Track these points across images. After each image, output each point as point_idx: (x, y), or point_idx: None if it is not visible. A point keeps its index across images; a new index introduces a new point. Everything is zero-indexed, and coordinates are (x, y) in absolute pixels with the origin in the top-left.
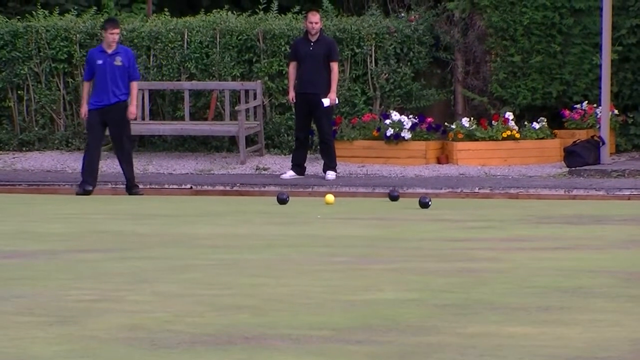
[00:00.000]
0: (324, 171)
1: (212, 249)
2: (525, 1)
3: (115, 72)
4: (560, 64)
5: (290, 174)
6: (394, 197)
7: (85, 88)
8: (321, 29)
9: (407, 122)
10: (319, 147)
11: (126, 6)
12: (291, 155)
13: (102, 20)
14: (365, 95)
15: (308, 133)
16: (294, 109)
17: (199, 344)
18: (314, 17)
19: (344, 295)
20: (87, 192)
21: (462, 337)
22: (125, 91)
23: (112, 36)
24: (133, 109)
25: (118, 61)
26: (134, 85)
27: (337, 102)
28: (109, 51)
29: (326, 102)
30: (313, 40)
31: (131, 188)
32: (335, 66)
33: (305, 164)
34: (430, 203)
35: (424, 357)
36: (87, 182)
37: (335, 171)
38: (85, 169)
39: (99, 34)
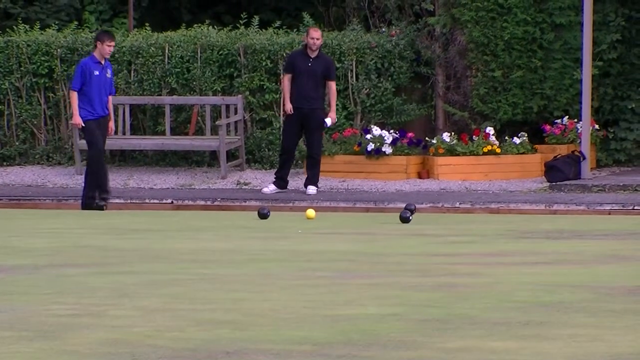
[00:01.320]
0: (306, 185)
1: (193, 263)
2: (506, 16)
3: (107, 84)
4: (541, 79)
5: (272, 187)
6: (410, 212)
7: (77, 98)
8: (320, 45)
9: (388, 137)
10: (306, 161)
11: (107, 21)
12: (275, 170)
13: (84, 35)
14: (346, 110)
15: (295, 147)
16: (284, 123)
17: (180, 359)
18: (316, 34)
19: (325, 310)
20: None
21: (443, 352)
22: (107, 105)
23: (110, 48)
24: (113, 125)
25: (108, 73)
26: (110, 100)
27: (336, 120)
28: (103, 63)
29: (328, 121)
30: (312, 57)
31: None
32: (334, 85)
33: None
34: (411, 218)
35: None
36: (104, 196)
37: (317, 186)
38: (99, 181)
39: (79, 48)
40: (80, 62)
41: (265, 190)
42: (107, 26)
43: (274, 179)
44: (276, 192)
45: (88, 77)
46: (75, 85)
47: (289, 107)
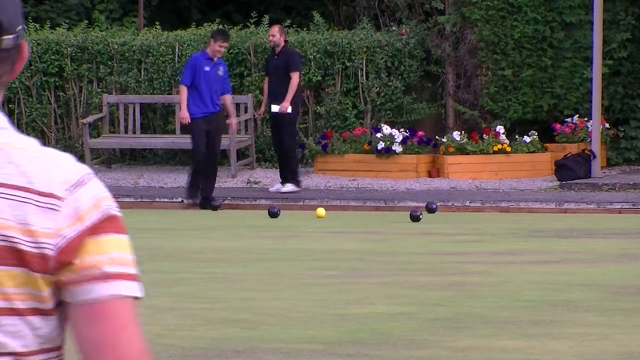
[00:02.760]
0: (282, 183)
1: (203, 262)
2: (516, 15)
3: (218, 82)
4: (551, 78)
5: (289, 187)
6: (431, 210)
7: (186, 92)
8: (286, 41)
9: (398, 135)
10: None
11: (117, 20)
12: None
13: (94, 34)
14: (356, 108)
15: (281, 145)
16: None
17: (190, 358)
18: (271, 31)
19: (335, 309)
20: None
21: (453, 351)
22: (219, 102)
23: (221, 49)
24: (235, 121)
25: (220, 71)
26: (229, 98)
27: (288, 111)
28: (214, 60)
29: (275, 108)
30: (277, 54)
31: (210, 201)
32: (294, 76)
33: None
34: (421, 217)
35: None
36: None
37: (296, 184)
38: (196, 181)
39: (89, 46)
40: (191, 56)
41: (283, 189)
42: (117, 25)
43: (289, 180)
44: (294, 191)
45: (198, 72)
46: (185, 79)
47: (261, 110)
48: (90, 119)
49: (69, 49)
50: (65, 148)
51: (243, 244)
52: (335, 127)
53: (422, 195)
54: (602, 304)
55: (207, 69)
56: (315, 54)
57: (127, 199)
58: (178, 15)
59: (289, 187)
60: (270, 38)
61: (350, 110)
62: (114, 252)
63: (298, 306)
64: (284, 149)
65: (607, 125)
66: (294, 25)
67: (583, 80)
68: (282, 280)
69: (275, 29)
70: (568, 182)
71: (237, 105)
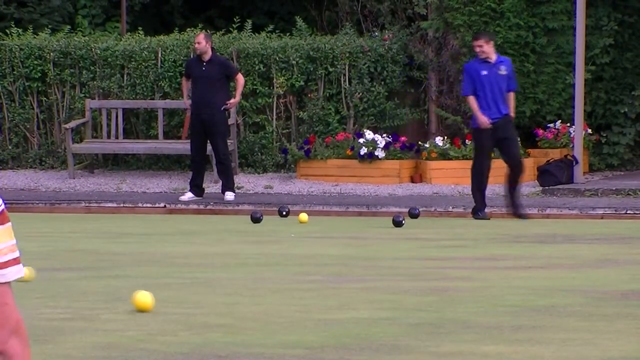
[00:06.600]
0: (223, 192)
1: (186, 267)
2: (498, 20)
3: (501, 82)
4: (534, 83)
5: (189, 195)
6: (414, 216)
7: (474, 100)
8: (213, 48)
9: (381, 141)
10: (215, 167)
11: (100, 25)
12: (265, 174)
13: (76, 39)
14: (339, 114)
15: (204, 154)
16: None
17: None
18: (197, 38)
19: (318, 314)
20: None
21: (435, 356)
22: (506, 104)
23: (479, 49)
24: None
25: (502, 70)
26: (512, 96)
27: (231, 121)
28: (491, 61)
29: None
30: (205, 61)
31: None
32: (240, 78)
33: (203, 185)
34: (403, 222)
35: None
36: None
37: (234, 191)
38: (483, 184)
39: (72, 52)
40: (465, 66)
41: (182, 198)
42: (100, 30)
43: (190, 188)
44: (195, 199)
45: (477, 79)
46: (466, 89)
47: (187, 103)
48: (72, 124)
49: (51, 54)
50: (48, 153)
51: (226, 249)
52: (318, 133)
53: (405, 200)
54: (585, 310)
55: (484, 72)
56: (298, 59)
57: (109, 204)
58: (161, 20)
59: (230, 195)
60: (197, 45)
61: (333, 116)
62: (9, 240)
63: (281, 311)
64: (221, 159)
65: (589, 130)
66: (277, 31)
67: (565, 85)
68: (265, 286)
69: (201, 36)
70: (550, 187)
71: None
